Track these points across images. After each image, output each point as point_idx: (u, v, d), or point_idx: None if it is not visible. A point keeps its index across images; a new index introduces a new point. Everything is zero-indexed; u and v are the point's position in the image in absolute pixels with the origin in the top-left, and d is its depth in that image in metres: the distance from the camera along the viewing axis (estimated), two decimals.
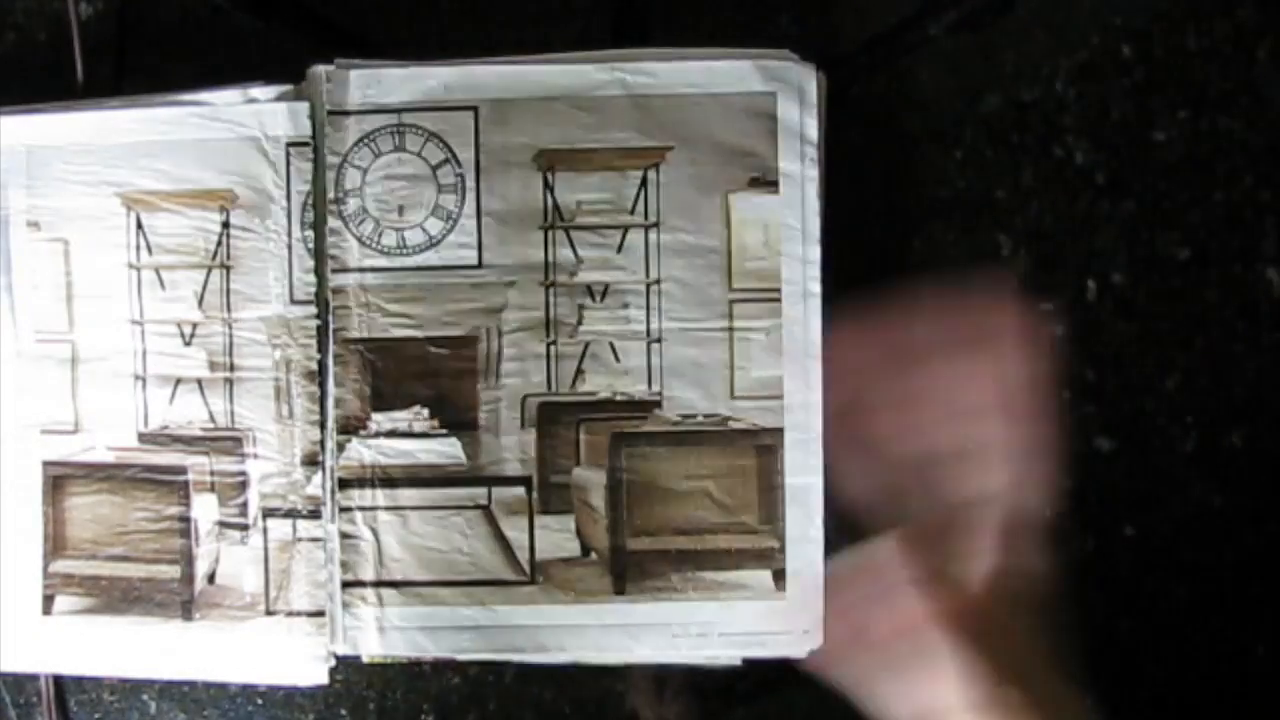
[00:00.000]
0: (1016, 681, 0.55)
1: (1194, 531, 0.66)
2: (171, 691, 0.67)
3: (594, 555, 0.61)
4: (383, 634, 0.60)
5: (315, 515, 0.61)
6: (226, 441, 0.61)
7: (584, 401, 0.61)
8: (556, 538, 0.61)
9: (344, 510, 0.61)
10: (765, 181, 0.60)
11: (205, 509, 0.61)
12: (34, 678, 0.66)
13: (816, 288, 0.60)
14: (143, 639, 0.61)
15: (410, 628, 0.60)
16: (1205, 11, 0.66)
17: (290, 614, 0.61)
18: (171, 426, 0.61)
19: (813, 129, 0.60)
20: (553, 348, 0.61)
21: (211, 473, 0.61)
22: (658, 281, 0.61)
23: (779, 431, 0.60)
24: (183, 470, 0.61)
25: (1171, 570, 0.67)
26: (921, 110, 0.66)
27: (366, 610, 0.60)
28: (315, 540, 0.61)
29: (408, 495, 0.61)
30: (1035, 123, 0.66)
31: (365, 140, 0.60)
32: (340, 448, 0.61)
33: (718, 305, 0.61)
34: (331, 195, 0.60)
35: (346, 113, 0.60)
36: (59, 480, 0.61)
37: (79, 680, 0.66)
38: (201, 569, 0.61)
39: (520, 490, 0.61)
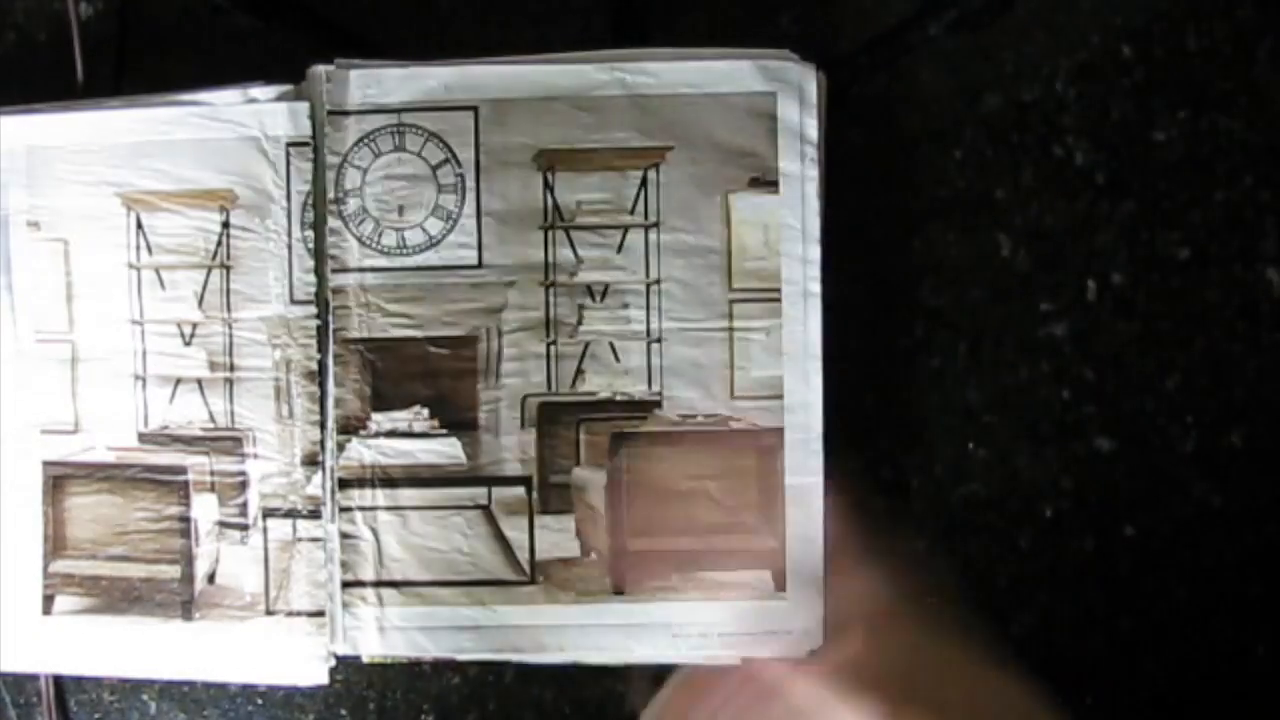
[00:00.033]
0: None
1: (1194, 531, 0.66)
2: (171, 691, 0.67)
3: (594, 555, 0.61)
4: (383, 634, 0.60)
5: (315, 515, 0.61)
6: (226, 441, 0.61)
7: (584, 401, 0.61)
8: (556, 538, 0.61)
9: (344, 510, 0.61)
10: (765, 181, 0.60)
11: (205, 509, 0.61)
12: (34, 678, 0.66)
13: (816, 288, 0.60)
14: (143, 639, 0.61)
15: (410, 628, 0.60)
16: (1205, 11, 0.66)
17: (290, 614, 0.61)
18: (171, 426, 0.61)
19: (813, 129, 0.60)
20: (553, 348, 0.61)
21: (211, 473, 0.61)
22: (658, 281, 0.61)
23: (779, 431, 0.60)
24: (183, 470, 0.61)
25: (1171, 570, 0.67)
26: (921, 110, 0.66)
27: (366, 610, 0.60)
28: (315, 540, 0.61)
29: (408, 495, 0.61)
30: (1035, 123, 0.66)
31: (365, 140, 0.60)
32: (340, 448, 0.61)
33: (718, 305, 0.61)
34: (331, 195, 0.60)
35: (346, 113, 0.60)
36: (59, 480, 0.61)
37: (79, 680, 0.66)
38: (201, 569, 0.61)
39: (520, 490, 0.61)
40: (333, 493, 0.61)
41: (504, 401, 0.61)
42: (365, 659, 0.61)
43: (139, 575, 0.61)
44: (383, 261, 0.61)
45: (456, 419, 0.61)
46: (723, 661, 0.60)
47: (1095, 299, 0.66)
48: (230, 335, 0.61)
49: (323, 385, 0.61)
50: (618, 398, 0.61)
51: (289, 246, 0.61)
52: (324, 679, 0.61)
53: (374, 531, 0.60)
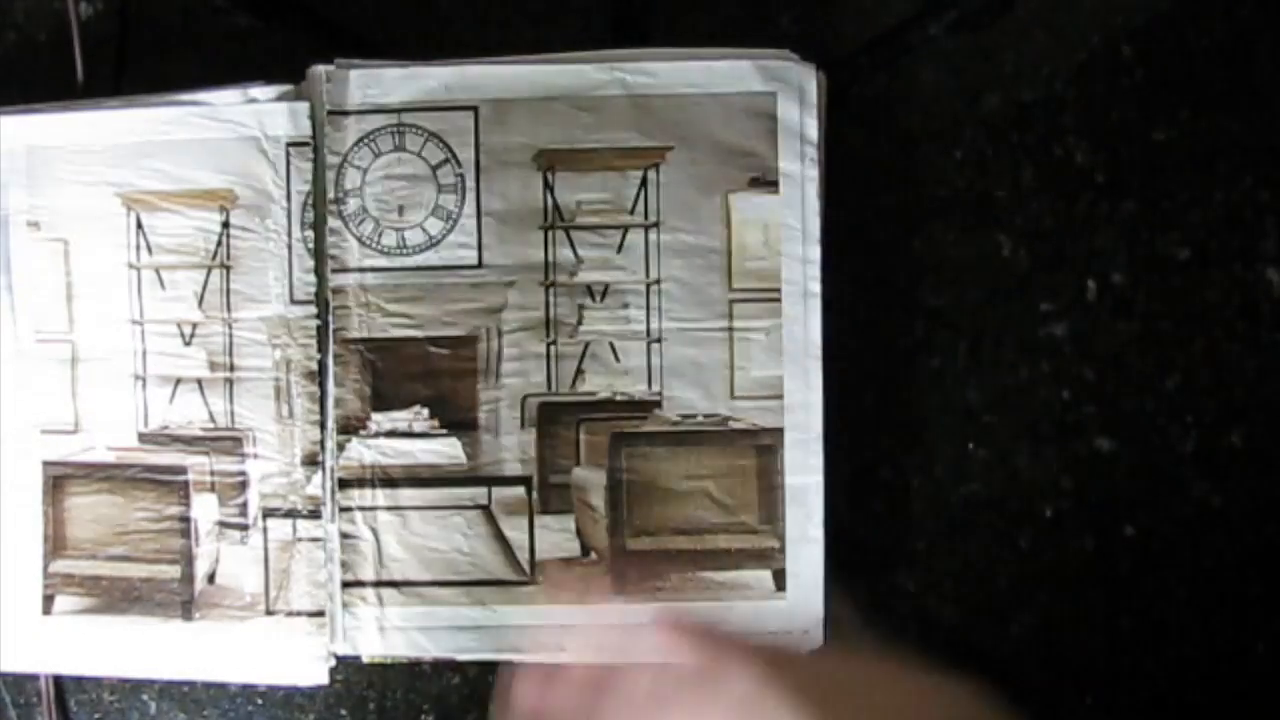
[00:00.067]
0: None
1: (1194, 531, 0.66)
2: (171, 691, 0.67)
3: (594, 555, 0.61)
4: (383, 634, 0.60)
5: (315, 515, 0.61)
6: (226, 441, 0.61)
7: (584, 401, 0.61)
8: (556, 538, 0.61)
9: (344, 510, 0.61)
10: (765, 181, 0.60)
11: (205, 509, 0.61)
12: (34, 678, 0.66)
13: (816, 288, 0.60)
14: (143, 639, 0.61)
15: (410, 628, 0.60)
16: (1205, 11, 0.66)
17: (290, 614, 0.61)
18: (171, 426, 0.61)
19: (813, 129, 0.60)
20: (553, 348, 0.61)
21: (211, 473, 0.61)
22: (658, 281, 0.61)
23: (779, 431, 0.60)
24: (183, 470, 0.61)
25: (1171, 570, 0.67)
26: (921, 110, 0.66)
27: (366, 610, 0.60)
28: (315, 540, 0.61)
29: (408, 495, 0.61)
30: (1035, 123, 0.66)
31: (365, 140, 0.60)
32: (340, 448, 0.61)
33: (718, 305, 0.61)
34: (331, 195, 0.61)
35: (346, 113, 0.60)
36: (59, 480, 0.61)
37: (79, 680, 0.66)
38: (201, 569, 0.61)
39: (520, 490, 0.61)
40: (333, 493, 0.61)
41: (504, 401, 0.61)
42: (365, 659, 0.61)
43: (139, 575, 0.61)
44: (383, 261, 0.61)
45: (456, 419, 0.61)
46: None
47: (1095, 299, 0.66)
48: (230, 335, 0.61)
49: (323, 385, 0.61)
50: (618, 398, 0.61)
51: (289, 246, 0.61)
52: (324, 679, 0.61)
53: (374, 531, 0.60)
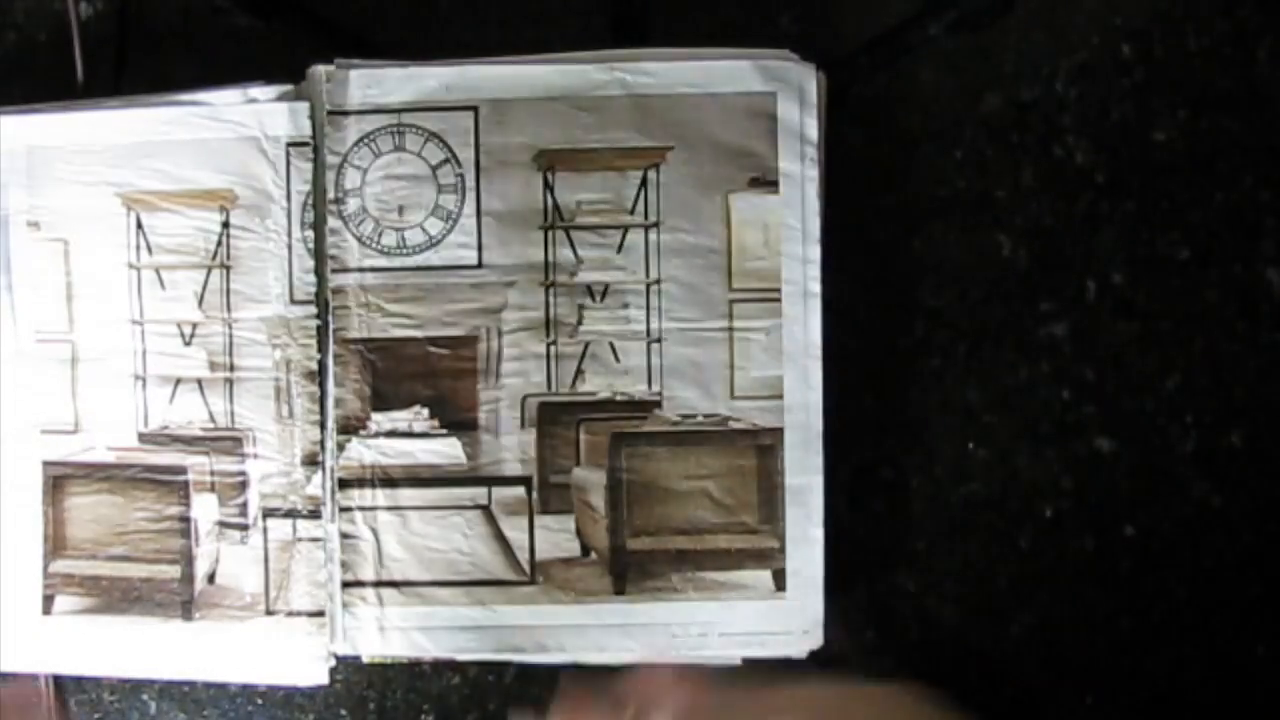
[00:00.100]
0: None
1: (1194, 531, 0.66)
2: (171, 691, 0.67)
3: (594, 555, 0.61)
4: (383, 634, 0.60)
5: (315, 515, 0.61)
6: (226, 441, 0.61)
7: (584, 401, 0.61)
8: (556, 538, 0.61)
9: (344, 510, 0.61)
10: (765, 181, 0.60)
11: (205, 509, 0.61)
12: (34, 678, 0.66)
13: (816, 288, 0.60)
14: (143, 639, 0.61)
15: (410, 628, 0.60)
16: (1205, 11, 0.66)
17: (290, 614, 0.61)
18: (171, 426, 0.61)
19: (813, 129, 0.60)
20: (553, 348, 0.61)
21: (211, 473, 0.61)
22: (658, 281, 0.61)
23: (779, 431, 0.60)
24: (183, 470, 0.61)
25: (1171, 570, 0.67)
26: (921, 110, 0.66)
27: (366, 610, 0.60)
28: (315, 540, 0.61)
29: (408, 495, 0.61)
30: (1035, 123, 0.66)
31: (365, 140, 0.60)
32: (340, 448, 0.61)
33: (718, 305, 0.61)
34: (331, 195, 0.61)
35: (346, 113, 0.60)
36: (59, 480, 0.61)
37: (79, 680, 0.66)
38: (201, 569, 0.61)
39: (520, 490, 0.61)
40: (333, 493, 0.61)
41: (504, 401, 0.61)
42: (365, 659, 0.61)
43: (139, 575, 0.61)
44: (383, 261, 0.61)
45: (456, 419, 0.61)
46: (722, 662, 0.60)
47: (1095, 299, 0.66)
48: (230, 335, 0.61)
49: (323, 385, 0.61)
50: (618, 398, 0.61)
51: (289, 246, 0.61)
52: (324, 679, 0.61)
53: (374, 531, 0.60)
